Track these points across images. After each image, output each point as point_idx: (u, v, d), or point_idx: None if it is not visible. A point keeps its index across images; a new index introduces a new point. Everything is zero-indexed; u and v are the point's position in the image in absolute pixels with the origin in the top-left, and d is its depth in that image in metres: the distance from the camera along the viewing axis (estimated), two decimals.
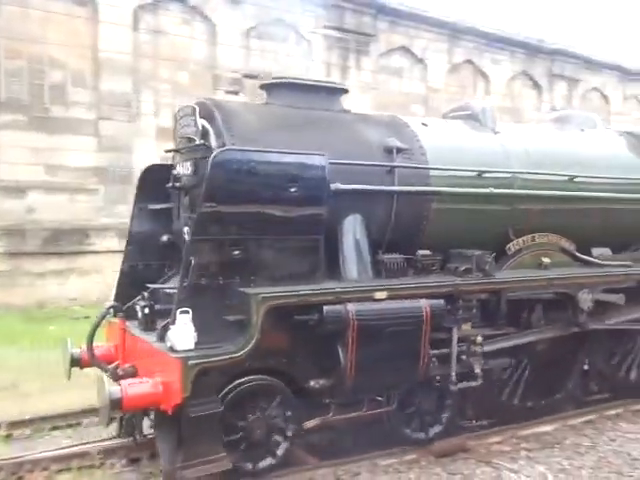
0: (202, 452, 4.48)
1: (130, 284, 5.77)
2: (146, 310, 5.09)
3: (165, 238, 5.93)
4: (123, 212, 11.27)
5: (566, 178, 6.51)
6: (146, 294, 5.24)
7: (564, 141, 7.05)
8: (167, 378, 4.37)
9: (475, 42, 20.87)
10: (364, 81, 18.15)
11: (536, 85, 22.96)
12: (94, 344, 5.21)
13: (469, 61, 20.99)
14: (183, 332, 4.34)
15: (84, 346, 5.27)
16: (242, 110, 5.25)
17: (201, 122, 5.00)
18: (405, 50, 19.43)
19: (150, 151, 13.93)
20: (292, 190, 4.71)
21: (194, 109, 5.08)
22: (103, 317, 5.19)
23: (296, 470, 5.11)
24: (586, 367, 6.90)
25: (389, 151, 5.51)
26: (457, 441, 5.79)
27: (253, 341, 4.43)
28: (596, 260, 6.68)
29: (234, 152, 4.60)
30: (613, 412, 6.94)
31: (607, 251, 6.94)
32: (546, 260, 6.31)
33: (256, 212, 4.63)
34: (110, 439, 5.76)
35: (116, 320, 5.36)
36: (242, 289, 4.57)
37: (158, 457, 4.98)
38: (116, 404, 4.25)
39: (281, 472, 4.97)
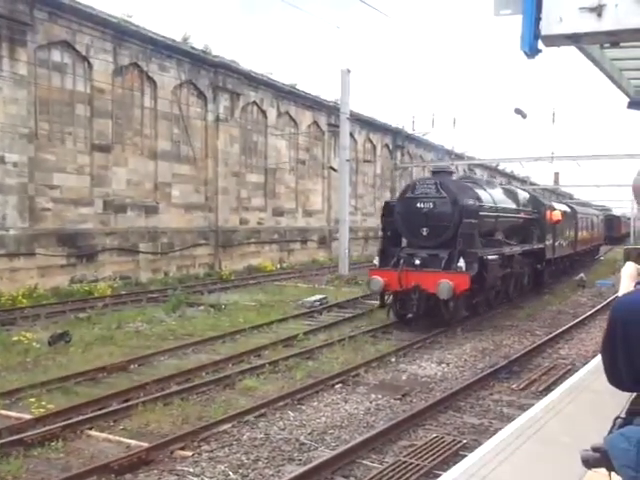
0: (462, 310, 12.69)
1: (383, 252, 13.41)
2: (421, 261, 12.83)
3: (389, 233, 13.61)
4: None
5: (512, 207, 15.97)
6: (419, 256, 12.93)
7: (499, 192, 16.54)
8: (458, 282, 12.30)
9: (142, 46, 20.47)
10: (20, 74, 16.54)
11: (202, 95, 23.70)
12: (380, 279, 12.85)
13: (136, 65, 20.52)
14: (463, 265, 12.40)
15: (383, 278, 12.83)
16: (451, 181, 13.32)
17: (440, 188, 12.98)
18: (67, 45, 18.14)
19: None
20: (473, 214, 13.06)
21: (436, 183, 13.03)
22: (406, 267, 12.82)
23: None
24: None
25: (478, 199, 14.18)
26: (137, 454, 5.66)
27: (476, 269, 12.65)
28: (510, 242, 16.26)
29: (470, 202, 12.79)
30: (282, 403, 7.42)
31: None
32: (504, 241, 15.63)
33: (470, 222, 12.87)
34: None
35: (377, 269, 13.09)
36: (470, 250, 12.75)
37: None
38: (452, 291, 12.05)
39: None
